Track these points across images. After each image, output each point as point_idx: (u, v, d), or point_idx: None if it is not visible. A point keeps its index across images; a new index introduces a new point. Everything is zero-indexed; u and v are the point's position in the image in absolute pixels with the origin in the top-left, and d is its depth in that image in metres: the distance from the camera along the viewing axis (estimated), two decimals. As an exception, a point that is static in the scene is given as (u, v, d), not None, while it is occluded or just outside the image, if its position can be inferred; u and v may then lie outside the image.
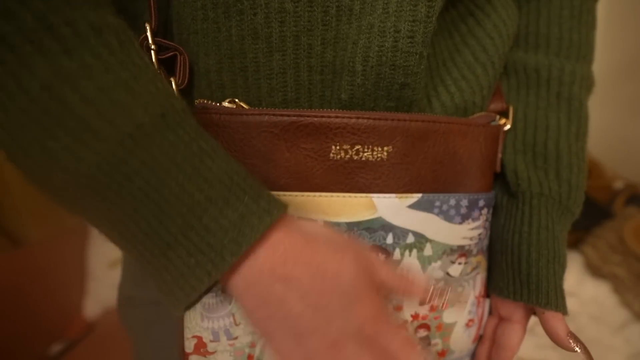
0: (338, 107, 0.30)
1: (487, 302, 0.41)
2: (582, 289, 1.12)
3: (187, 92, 0.30)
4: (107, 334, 1.20)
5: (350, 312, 0.24)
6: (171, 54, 0.28)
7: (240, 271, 0.24)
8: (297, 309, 0.24)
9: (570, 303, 1.17)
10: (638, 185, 1.28)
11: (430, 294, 0.30)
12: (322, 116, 0.28)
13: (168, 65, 0.29)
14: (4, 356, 1.01)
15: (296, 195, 0.29)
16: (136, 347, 0.43)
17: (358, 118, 0.29)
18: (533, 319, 0.38)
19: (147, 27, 0.28)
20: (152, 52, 0.28)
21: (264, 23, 0.27)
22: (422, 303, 0.31)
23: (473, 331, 0.39)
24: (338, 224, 0.30)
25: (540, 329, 0.36)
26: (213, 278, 0.24)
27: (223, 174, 0.24)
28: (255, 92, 0.29)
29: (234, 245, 0.23)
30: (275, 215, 0.24)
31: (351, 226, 0.30)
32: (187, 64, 0.29)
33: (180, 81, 0.28)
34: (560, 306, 0.35)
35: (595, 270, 1.14)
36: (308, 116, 0.28)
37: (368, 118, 0.29)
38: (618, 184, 1.29)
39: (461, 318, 0.37)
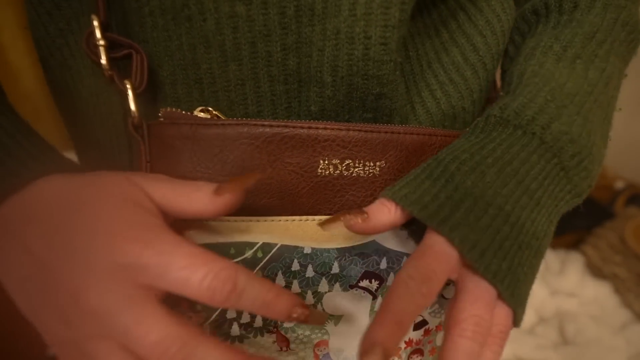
0: (308, 119, 0.27)
1: None
2: (583, 289, 1.12)
3: (150, 100, 0.27)
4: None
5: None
6: (126, 52, 0.25)
7: None
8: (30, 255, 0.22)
9: (571, 303, 1.15)
10: (639, 185, 1.27)
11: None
12: (310, 127, 0.25)
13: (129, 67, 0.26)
14: (3, 356, 0.99)
15: (279, 221, 0.26)
16: None
17: (349, 130, 0.26)
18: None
19: (94, 20, 0.25)
20: (102, 48, 0.25)
21: (215, 30, 0.24)
22: None
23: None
24: (328, 251, 0.27)
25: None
26: None
27: None
28: (214, 105, 0.26)
29: None
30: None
31: (342, 252, 0.27)
32: (145, 63, 0.25)
33: (137, 83, 0.25)
34: None
35: (596, 271, 1.14)
36: (294, 127, 0.25)
37: (360, 130, 0.26)
38: (619, 184, 1.29)
39: None
